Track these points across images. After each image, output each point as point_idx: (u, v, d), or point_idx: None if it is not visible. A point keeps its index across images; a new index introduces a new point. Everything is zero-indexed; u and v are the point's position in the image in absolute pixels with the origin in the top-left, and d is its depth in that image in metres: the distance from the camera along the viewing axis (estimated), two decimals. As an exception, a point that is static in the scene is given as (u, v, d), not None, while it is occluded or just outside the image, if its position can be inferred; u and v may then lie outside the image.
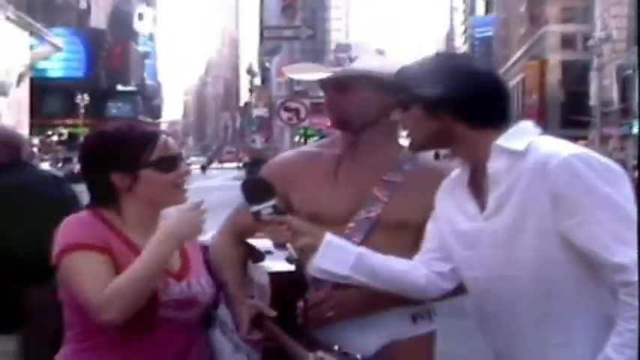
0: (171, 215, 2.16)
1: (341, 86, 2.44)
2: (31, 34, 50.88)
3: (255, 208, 2.12)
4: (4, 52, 42.44)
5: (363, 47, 2.50)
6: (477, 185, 2.04)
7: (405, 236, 2.36)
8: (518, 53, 69.24)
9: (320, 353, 2.28)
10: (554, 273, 1.90)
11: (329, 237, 2.13)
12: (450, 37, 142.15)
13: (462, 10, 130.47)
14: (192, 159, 75.24)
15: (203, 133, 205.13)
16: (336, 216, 2.30)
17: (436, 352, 2.55)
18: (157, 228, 2.21)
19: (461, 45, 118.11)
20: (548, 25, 60.84)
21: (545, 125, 32.86)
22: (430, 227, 2.18)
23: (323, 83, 2.49)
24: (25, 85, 52.42)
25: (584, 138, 41.41)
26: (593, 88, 49.81)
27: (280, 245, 2.19)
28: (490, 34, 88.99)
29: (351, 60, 2.43)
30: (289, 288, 2.45)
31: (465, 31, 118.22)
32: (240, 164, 57.93)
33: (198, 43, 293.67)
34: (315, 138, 23.13)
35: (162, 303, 2.12)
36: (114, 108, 74.10)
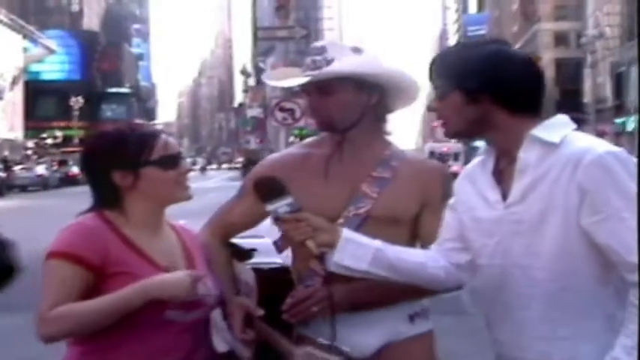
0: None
1: (322, 90, 2.43)
2: (25, 37, 50.80)
3: (270, 207, 2.11)
4: (-3, 56, 42.41)
5: (338, 47, 2.46)
6: (500, 173, 2.04)
7: (396, 231, 2.36)
8: (512, 51, 69.24)
9: (309, 348, 2.28)
10: (572, 267, 1.90)
11: (347, 233, 2.12)
12: (443, 36, 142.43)
13: (454, 8, 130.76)
14: (188, 160, 74.93)
15: (198, 134, 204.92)
16: (327, 214, 2.30)
17: (437, 351, 2.54)
18: (161, 227, 2.23)
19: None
20: (540, 23, 61.04)
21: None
22: (448, 216, 2.17)
23: (304, 87, 2.47)
24: (19, 88, 52.40)
25: (579, 135, 41.41)
26: (586, 85, 49.96)
27: (296, 244, 2.16)
28: (483, 32, 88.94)
29: (328, 62, 2.41)
30: (276, 285, 2.45)
31: (457, 30, 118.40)
32: (239, 165, 57.90)
33: (191, 44, 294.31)
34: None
35: (169, 304, 2.11)
36: (108, 110, 74.13)
